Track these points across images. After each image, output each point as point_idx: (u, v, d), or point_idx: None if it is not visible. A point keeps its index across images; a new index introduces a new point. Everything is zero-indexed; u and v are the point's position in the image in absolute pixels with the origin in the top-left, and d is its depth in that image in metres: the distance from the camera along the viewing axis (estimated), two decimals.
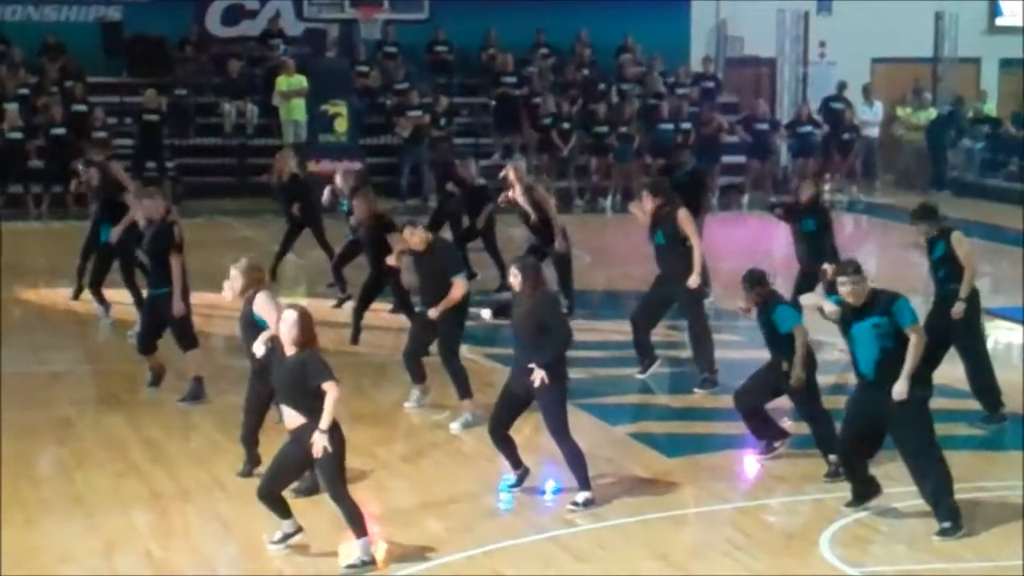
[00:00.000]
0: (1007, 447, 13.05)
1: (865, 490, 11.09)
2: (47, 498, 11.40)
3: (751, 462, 12.55)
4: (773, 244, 21.89)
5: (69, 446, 12.76)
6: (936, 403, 14.38)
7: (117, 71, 29.87)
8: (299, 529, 10.39)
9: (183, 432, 13.19)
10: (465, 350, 16.41)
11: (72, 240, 22.84)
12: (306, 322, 10.02)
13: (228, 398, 14.30)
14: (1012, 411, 13.99)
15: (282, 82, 28.85)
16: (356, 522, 10.03)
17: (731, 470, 12.35)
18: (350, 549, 10.06)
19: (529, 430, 12.57)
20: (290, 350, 10.06)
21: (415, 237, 13.52)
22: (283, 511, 10.31)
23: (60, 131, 27.10)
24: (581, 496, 11.18)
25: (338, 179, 18.64)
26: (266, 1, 31.07)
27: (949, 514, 10.53)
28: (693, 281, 14.67)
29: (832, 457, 11.73)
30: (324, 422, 9.82)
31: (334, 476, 10.04)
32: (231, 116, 29.31)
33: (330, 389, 9.86)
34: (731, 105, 31.34)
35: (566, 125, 29.17)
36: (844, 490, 11.56)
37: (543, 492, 11.63)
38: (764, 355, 14.77)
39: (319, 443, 9.85)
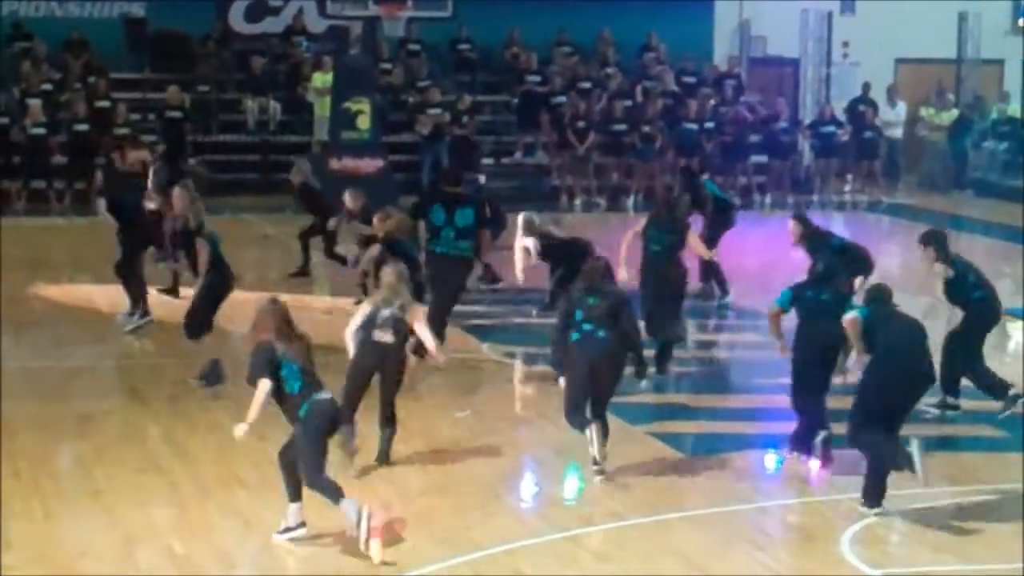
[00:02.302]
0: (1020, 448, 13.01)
1: None
2: (67, 492, 11.43)
3: (771, 461, 12.52)
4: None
5: (89, 441, 12.79)
6: (961, 405, 14.47)
7: (140, 67, 29.91)
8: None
9: (204, 428, 13.20)
10: (486, 348, 16.48)
11: (94, 236, 22.90)
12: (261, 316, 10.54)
13: (249, 394, 14.32)
14: None
15: (317, 78, 28.87)
16: (331, 494, 10.27)
17: (751, 470, 12.33)
18: (377, 545, 10.05)
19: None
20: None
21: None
22: (333, 495, 10.34)
23: (83, 127, 27.16)
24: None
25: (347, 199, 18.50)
26: None
27: None
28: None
29: None
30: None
31: (308, 464, 10.29)
32: (254, 113, 29.34)
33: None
34: (753, 105, 31.27)
35: (581, 124, 29.11)
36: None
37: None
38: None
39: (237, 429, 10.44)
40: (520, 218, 17.62)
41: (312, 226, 20.35)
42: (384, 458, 12.16)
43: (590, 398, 11.81)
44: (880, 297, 11.58)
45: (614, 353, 11.73)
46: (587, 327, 11.69)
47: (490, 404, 14.20)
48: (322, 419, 10.40)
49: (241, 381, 14.33)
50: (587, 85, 30.25)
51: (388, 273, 12.16)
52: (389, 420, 12.19)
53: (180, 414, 13.63)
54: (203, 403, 13.94)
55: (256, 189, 28.09)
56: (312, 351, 10.60)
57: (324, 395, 10.50)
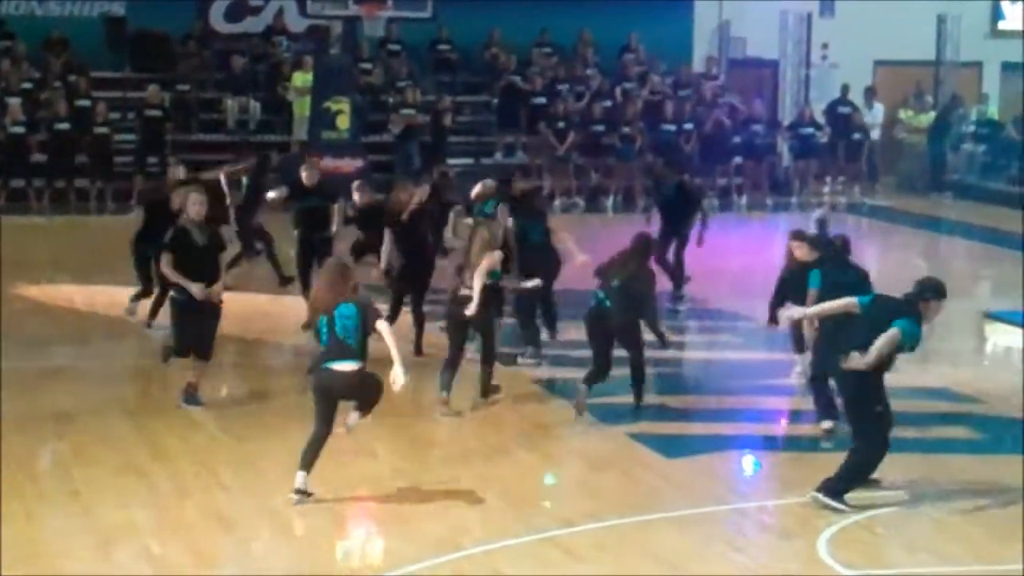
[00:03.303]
0: (1006, 450, 13.06)
1: None
2: (46, 493, 11.41)
3: (749, 463, 12.56)
4: (772, 244, 21.86)
5: (68, 441, 12.77)
6: (935, 406, 14.55)
7: (120, 66, 29.85)
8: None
9: (183, 429, 13.19)
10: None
11: (74, 235, 22.91)
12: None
13: (230, 394, 14.36)
14: (1012, 415, 14.04)
15: (297, 78, 28.85)
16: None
17: (729, 471, 12.37)
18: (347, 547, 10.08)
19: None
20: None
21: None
22: None
23: (63, 126, 27.11)
24: None
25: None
26: None
27: None
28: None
29: None
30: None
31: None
32: (234, 112, 29.32)
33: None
34: (733, 106, 31.33)
35: (561, 124, 29.15)
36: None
37: None
38: (762, 356, 14.83)
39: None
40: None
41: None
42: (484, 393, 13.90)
43: None
44: None
45: None
46: None
47: (472, 407, 14.22)
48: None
49: (220, 384, 14.44)
50: (567, 86, 30.29)
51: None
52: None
53: (158, 415, 13.61)
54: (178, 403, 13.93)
55: (236, 188, 28.03)
56: None
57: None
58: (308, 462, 11.14)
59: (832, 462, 12.43)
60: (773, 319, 14.00)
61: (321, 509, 11.15)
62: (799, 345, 14.41)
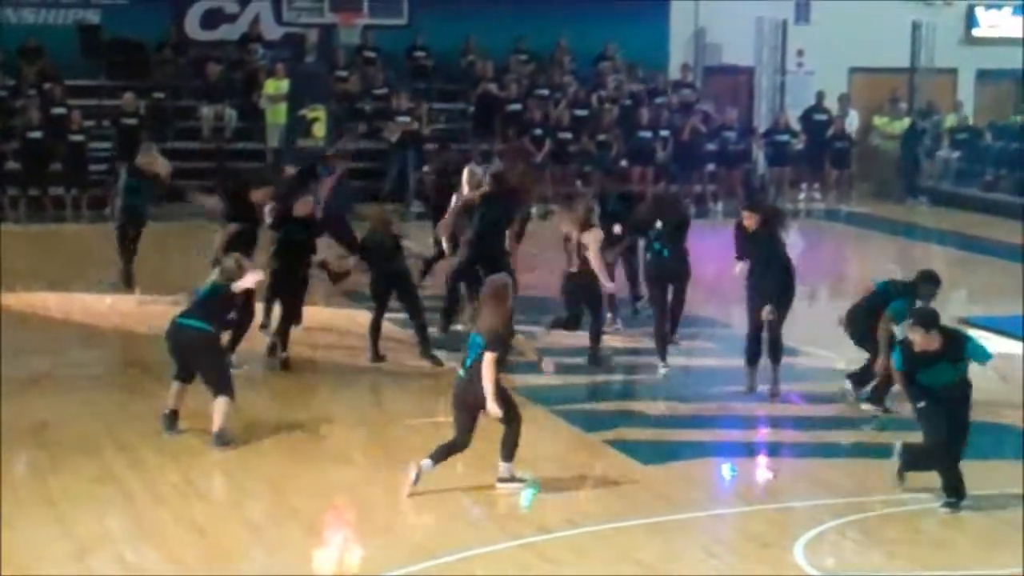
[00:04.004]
0: (984, 456, 13.08)
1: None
2: (22, 500, 11.36)
3: (727, 469, 12.58)
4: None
5: (44, 449, 12.72)
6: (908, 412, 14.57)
7: (95, 74, 29.77)
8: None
9: (159, 438, 13.15)
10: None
11: (49, 243, 22.82)
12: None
13: (205, 404, 14.31)
14: (990, 420, 14.07)
15: (270, 85, 28.82)
16: None
17: (706, 477, 12.38)
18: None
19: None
20: None
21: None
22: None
23: (37, 134, 27.03)
24: None
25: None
26: (246, 5, 31.01)
27: None
28: None
29: None
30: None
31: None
32: (209, 120, 29.27)
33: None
34: (708, 113, 31.39)
35: (538, 131, 29.17)
36: (818, 498, 11.62)
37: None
38: (739, 362, 14.87)
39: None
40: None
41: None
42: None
43: None
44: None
45: None
46: None
47: (447, 413, 14.19)
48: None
49: (198, 389, 14.40)
50: (544, 93, 30.30)
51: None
52: None
53: (135, 423, 13.56)
54: (158, 412, 13.87)
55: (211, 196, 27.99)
56: None
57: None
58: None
59: (812, 468, 12.48)
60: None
61: (297, 517, 11.14)
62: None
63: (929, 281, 14.18)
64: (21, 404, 14.17)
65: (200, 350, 12.83)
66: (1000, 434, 13.67)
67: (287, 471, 12.22)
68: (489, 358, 11.44)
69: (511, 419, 11.72)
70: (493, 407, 11.48)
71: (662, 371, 15.56)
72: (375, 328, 15.82)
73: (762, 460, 13.03)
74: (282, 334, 15.53)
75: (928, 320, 11.42)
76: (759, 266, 14.80)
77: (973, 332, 17.96)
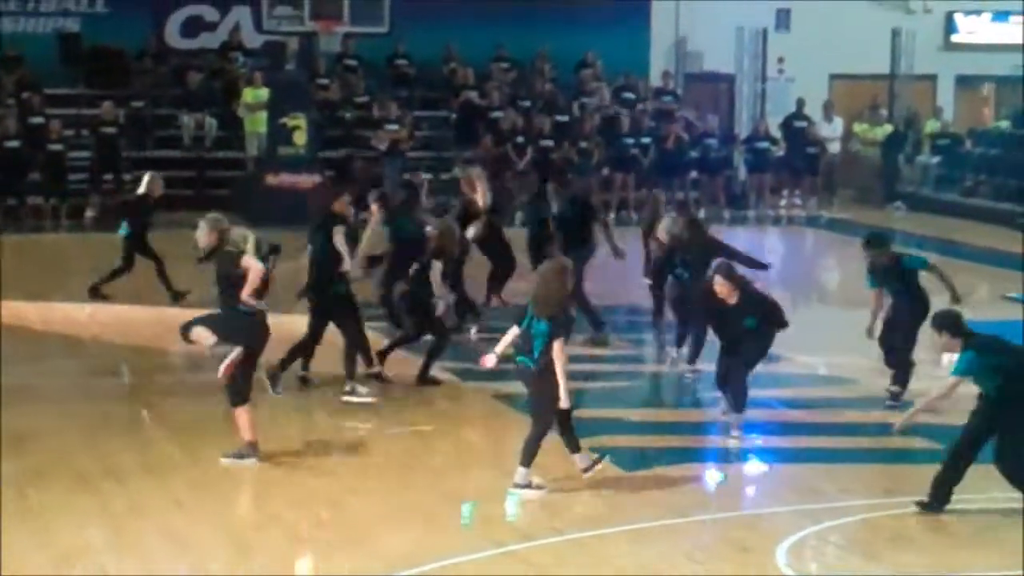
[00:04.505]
0: None
1: None
2: (2, 512, 11.29)
3: (710, 475, 12.57)
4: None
5: (23, 460, 12.65)
6: (892, 417, 14.59)
7: (75, 83, 29.73)
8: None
9: (139, 447, 13.10)
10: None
11: (29, 253, 22.74)
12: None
13: (187, 413, 14.27)
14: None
15: (248, 93, 28.79)
16: None
17: (689, 483, 12.37)
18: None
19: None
20: None
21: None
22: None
23: (15, 144, 26.96)
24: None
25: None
26: (226, 13, 30.99)
27: None
28: None
29: None
30: None
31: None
32: (190, 128, 29.24)
33: None
34: (690, 121, 31.44)
35: (520, 139, 29.18)
36: (799, 503, 11.62)
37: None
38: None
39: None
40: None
41: None
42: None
43: None
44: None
45: None
46: None
47: (430, 421, 14.19)
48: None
49: (176, 401, 14.37)
50: (526, 101, 30.32)
51: None
52: None
53: (115, 433, 13.51)
54: (136, 422, 13.85)
55: (192, 205, 27.95)
56: None
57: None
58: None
59: (794, 473, 12.48)
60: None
61: (279, 526, 11.10)
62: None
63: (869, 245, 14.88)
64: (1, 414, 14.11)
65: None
66: None
67: (268, 480, 12.18)
68: (558, 346, 11.50)
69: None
70: (566, 400, 11.56)
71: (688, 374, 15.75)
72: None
73: (743, 466, 13.01)
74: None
75: (944, 323, 11.37)
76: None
77: None
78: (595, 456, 12.05)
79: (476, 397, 14.82)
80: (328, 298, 14.71)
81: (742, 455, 13.03)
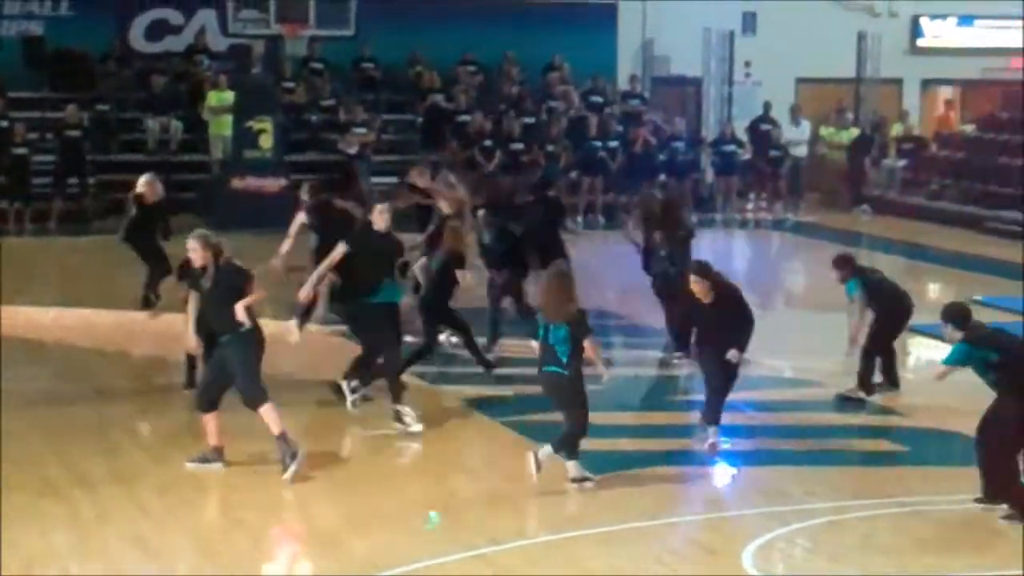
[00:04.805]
0: (929, 462, 13.14)
1: None
2: None
3: (678, 478, 12.56)
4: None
5: None
6: (858, 420, 14.65)
7: (39, 86, 29.55)
8: None
9: (104, 453, 13.02)
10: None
11: None
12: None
13: (151, 418, 14.21)
14: (934, 427, 14.15)
15: (212, 97, 28.70)
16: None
17: (657, 487, 12.35)
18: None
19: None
20: None
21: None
22: None
23: None
24: None
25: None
26: (191, 17, 30.89)
27: None
28: None
29: None
30: None
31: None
32: (154, 132, 29.11)
33: None
34: (657, 124, 31.46)
35: (489, 143, 29.17)
36: (766, 506, 11.63)
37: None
38: (685, 371, 14.80)
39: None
40: None
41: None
42: None
43: None
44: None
45: None
46: None
47: (394, 424, 14.14)
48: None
49: (141, 406, 14.29)
50: (495, 105, 30.30)
51: None
52: None
53: (80, 439, 13.43)
54: (102, 428, 13.76)
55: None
56: None
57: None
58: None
59: (761, 476, 12.48)
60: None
61: (244, 531, 11.05)
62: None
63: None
64: None
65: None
66: (945, 441, 13.72)
67: (234, 485, 12.13)
68: (589, 345, 11.91)
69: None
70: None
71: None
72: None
73: (711, 469, 13.01)
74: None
75: (950, 315, 11.43)
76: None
77: (920, 340, 18.21)
78: (587, 475, 12.06)
79: (446, 401, 14.78)
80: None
81: (709, 458, 13.02)
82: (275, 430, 12.19)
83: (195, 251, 12.31)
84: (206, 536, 10.96)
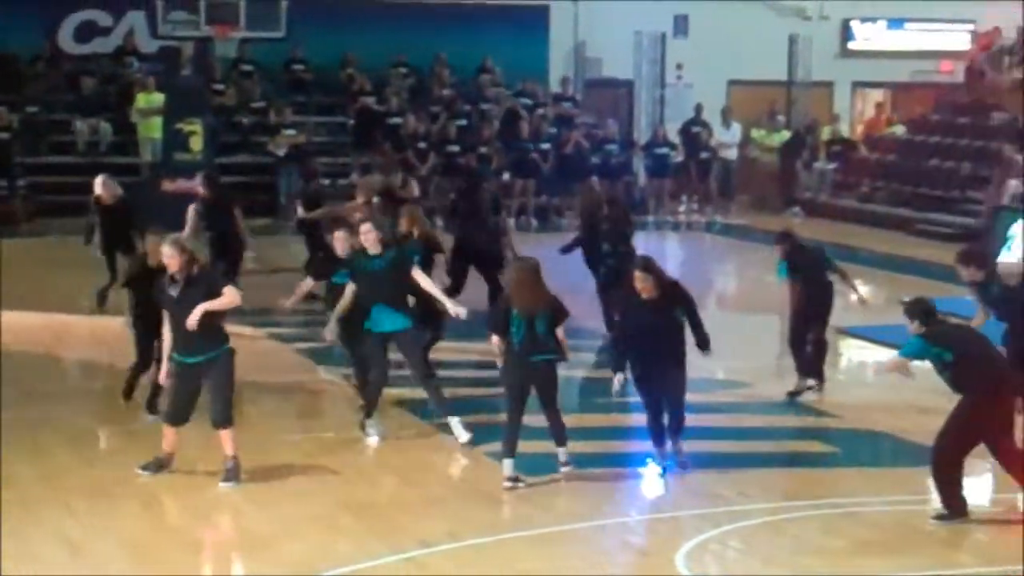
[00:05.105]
0: (861, 463, 13.19)
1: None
2: None
3: (611, 480, 12.55)
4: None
5: None
6: (791, 421, 14.70)
7: None
8: None
9: (32, 454, 12.88)
10: (322, 371, 16.34)
11: None
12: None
13: (81, 420, 14.07)
14: (866, 428, 14.20)
15: (141, 99, 28.52)
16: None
17: (588, 489, 12.33)
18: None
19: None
20: None
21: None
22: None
23: None
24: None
25: None
26: (120, 18, 30.67)
27: None
28: None
29: None
30: None
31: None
32: (84, 134, 28.90)
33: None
34: (590, 126, 31.51)
35: (423, 145, 29.12)
36: (699, 507, 11.63)
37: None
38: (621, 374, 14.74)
39: None
40: None
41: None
42: None
43: None
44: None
45: None
46: None
47: (330, 428, 14.08)
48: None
49: (72, 408, 14.14)
50: (429, 107, 30.25)
51: None
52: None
53: (7, 439, 13.26)
54: (32, 428, 13.62)
55: (86, 211, 27.58)
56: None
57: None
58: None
59: (693, 478, 12.48)
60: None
61: (175, 535, 10.96)
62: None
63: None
64: None
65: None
66: (876, 442, 13.79)
67: (165, 488, 12.02)
68: (561, 329, 12.19)
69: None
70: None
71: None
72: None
73: (643, 470, 13.00)
74: None
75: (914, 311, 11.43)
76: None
77: (851, 341, 18.30)
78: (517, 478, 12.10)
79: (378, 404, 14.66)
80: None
81: (641, 460, 13.01)
82: (229, 451, 12.05)
83: (171, 257, 11.88)
84: (136, 539, 10.84)
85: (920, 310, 11.41)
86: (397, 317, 13.30)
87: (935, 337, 11.25)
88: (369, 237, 13.30)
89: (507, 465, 12.08)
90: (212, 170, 27.10)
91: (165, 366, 12.17)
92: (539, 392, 12.25)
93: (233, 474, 12.02)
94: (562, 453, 12.34)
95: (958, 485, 11.22)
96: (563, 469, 12.28)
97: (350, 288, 13.36)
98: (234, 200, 19.41)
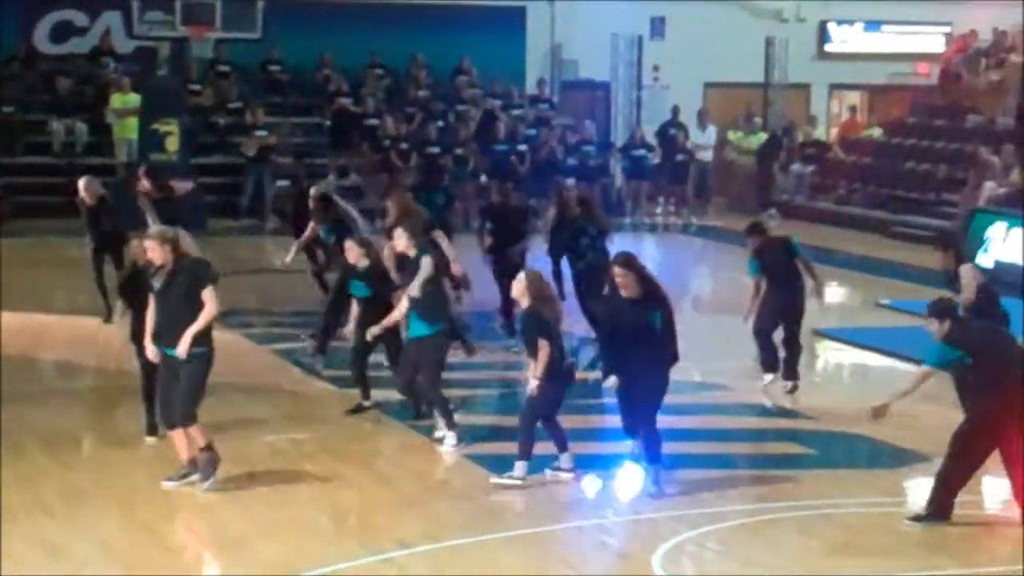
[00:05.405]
0: (837, 465, 13.23)
1: None
2: None
3: (588, 481, 12.55)
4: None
5: None
6: (767, 423, 14.74)
7: None
8: None
9: (10, 457, 12.81)
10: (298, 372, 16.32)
11: None
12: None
13: (57, 422, 14.03)
14: (842, 430, 14.23)
15: (116, 99, 28.47)
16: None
17: (566, 490, 12.34)
18: None
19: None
20: None
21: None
22: None
23: None
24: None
25: None
26: (96, 18, 30.60)
27: None
28: None
29: None
30: None
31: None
32: (59, 134, 28.82)
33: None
34: (567, 127, 31.53)
35: (404, 146, 29.11)
36: (676, 509, 11.64)
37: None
38: (594, 375, 14.77)
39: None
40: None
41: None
42: None
43: None
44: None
45: None
46: None
47: (305, 429, 14.06)
48: None
49: (49, 409, 14.09)
50: (404, 108, 30.23)
51: None
52: None
53: None
54: (7, 429, 13.57)
55: (62, 212, 27.49)
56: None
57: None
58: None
59: (665, 480, 12.48)
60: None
61: (150, 534, 10.94)
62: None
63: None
64: None
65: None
66: (852, 444, 13.82)
67: (140, 489, 11.99)
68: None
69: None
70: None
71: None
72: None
73: (620, 471, 13.00)
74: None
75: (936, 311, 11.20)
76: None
77: (827, 343, 18.34)
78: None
79: (349, 403, 14.65)
80: None
81: (617, 461, 13.02)
82: (201, 442, 11.91)
83: (153, 250, 11.73)
84: (114, 541, 10.82)
85: (940, 310, 11.11)
86: (417, 324, 13.35)
87: (956, 340, 11.02)
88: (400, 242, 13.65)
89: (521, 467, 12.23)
90: (188, 170, 27.20)
91: (150, 349, 12.03)
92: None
93: (209, 468, 11.87)
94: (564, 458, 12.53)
95: (958, 491, 11.17)
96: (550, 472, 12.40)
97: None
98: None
